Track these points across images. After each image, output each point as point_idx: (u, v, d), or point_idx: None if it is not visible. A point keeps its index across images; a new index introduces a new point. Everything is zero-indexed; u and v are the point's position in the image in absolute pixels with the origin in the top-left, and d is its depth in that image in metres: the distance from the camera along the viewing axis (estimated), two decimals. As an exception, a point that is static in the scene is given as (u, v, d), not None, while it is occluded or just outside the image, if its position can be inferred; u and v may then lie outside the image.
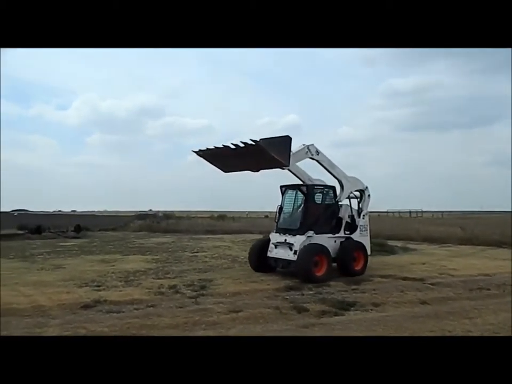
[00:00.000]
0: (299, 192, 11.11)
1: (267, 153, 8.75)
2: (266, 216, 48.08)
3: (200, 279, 9.96)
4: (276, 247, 10.72)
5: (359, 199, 11.86)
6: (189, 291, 8.68)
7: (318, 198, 11.04)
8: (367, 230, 11.61)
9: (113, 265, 12.58)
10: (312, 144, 10.66)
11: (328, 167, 10.95)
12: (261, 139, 8.74)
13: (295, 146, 10.05)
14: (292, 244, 10.16)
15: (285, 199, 11.42)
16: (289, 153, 9.33)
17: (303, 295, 8.42)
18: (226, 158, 9.96)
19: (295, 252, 9.98)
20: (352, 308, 7.34)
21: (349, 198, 11.54)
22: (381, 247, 16.87)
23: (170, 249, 17.69)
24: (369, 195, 11.84)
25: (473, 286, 9.29)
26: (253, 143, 8.66)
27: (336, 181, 11.21)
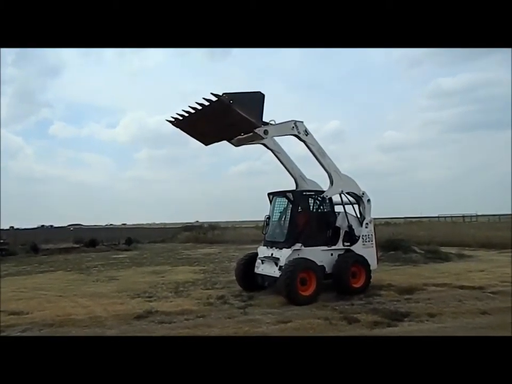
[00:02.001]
0: (288, 200, 9.78)
1: (233, 110, 7.76)
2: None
3: (247, 290, 9.97)
4: (262, 263, 9.59)
5: (358, 206, 10.33)
6: (237, 301, 8.72)
7: (309, 205, 9.73)
8: (372, 241, 10.07)
9: (163, 277, 12.94)
10: (302, 122, 9.37)
11: (317, 153, 9.52)
12: (224, 93, 7.72)
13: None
14: (278, 259, 9.03)
15: (273, 208, 10.18)
16: (261, 112, 8.23)
17: (353, 305, 8.18)
18: (199, 124, 8.99)
19: (280, 268, 8.81)
20: (406, 319, 7.02)
21: (342, 204, 10.09)
22: (434, 254, 16.12)
23: (217, 260, 17.94)
24: (368, 200, 10.25)
25: (540, 295, 8.60)
26: (216, 98, 7.72)
27: (326, 174, 9.80)
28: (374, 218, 10.58)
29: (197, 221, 73.42)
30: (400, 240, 17.48)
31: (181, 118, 9.03)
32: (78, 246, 27.25)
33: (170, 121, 9.35)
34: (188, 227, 46.97)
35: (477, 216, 58.27)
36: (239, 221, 74.65)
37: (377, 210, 10.77)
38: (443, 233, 24.28)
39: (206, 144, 10.00)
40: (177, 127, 9.44)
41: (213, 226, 42.92)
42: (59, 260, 19.90)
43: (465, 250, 18.31)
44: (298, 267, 8.58)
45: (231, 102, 7.71)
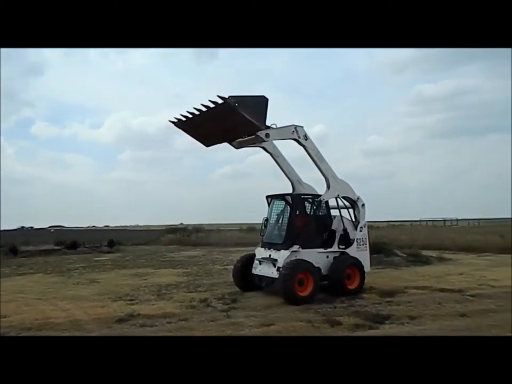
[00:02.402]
0: (286, 203, 10.12)
1: (238, 113, 7.91)
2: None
3: (230, 292, 9.97)
4: (260, 264, 9.79)
5: (353, 210, 10.57)
6: (220, 304, 8.69)
7: (307, 208, 10.01)
8: (365, 244, 10.35)
9: (146, 279, 12.81)
10: (302, 126, 9.54)
11: (315, 158, 9.70)
12: (230, 96, 7.87)
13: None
14: (276, 260, 9.23)
15: (271, 211, 10.47)
16: (265, 115, 8.41)
17: (336, 308, 8.25)
18: (203, 126, 9.16)
19: (278, 269, 9.02)
20: (387, 321, 7.11)
21: (338, 208, 10.26)
22: (415, 258, 16.40)
23: (200, 263, 17.84)
24: (363, 204, 10.51)
25: (516, 297, 8.82)
26: (222, 101, 7.87)
27: (323, 178, 9.99)
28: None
29: (182, 223, 73.16)
30: (383, 244, 17.71)
31: (184, 119, 9.17)
32: (59, 248, 26.67)
33: (173, 122, 9.49)
34: (171, 229, 46.65)
35: (457, 220, 59.46)
36: (224, 223, 74.63)
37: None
38: (424, 236, 24.71)
39: (207, 146, 10.10)
40: (179, 127, 9.59)
41: (197, 229, 42.76)
42: (39, 262, 19.49)
43: (445, 253, 18.70)
44: (297, 268, 8.78)
45: (237, 104, 7.87)
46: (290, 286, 8.57)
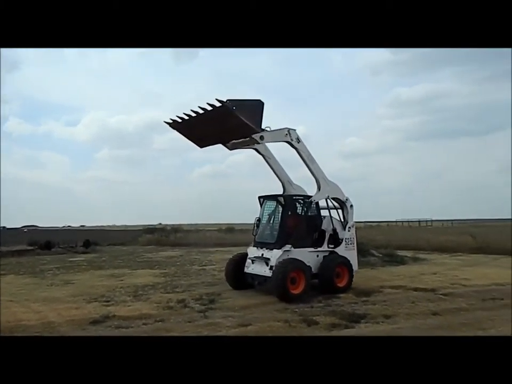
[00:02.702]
0: (278, 203, 10.38)
1: (235, 116, 8.11)
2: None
3: (208, 293, 9.93)
4: (252, 263, 10.03)
5: (342, 210, 10.91)
6: (197, 305, 8.65)
7: (298, 209, 10.24)
8: (353, 244, 10.72)
9: (122, 280, 12.61)
10: (294, 130, 9.80)
11: (307, 160, 10.00)
12: (228, 100, 8.06)
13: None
14: (268, 259, 9.47)
15: (264, 211, 10.70)
16: (261, 119, 8.61)
17: (313, 307, 8.33)
18: (199, 128, 9.32)
19: (271, 268, 9.25)
20: (362, 321, 7.23)
21: (328, 208, 10.61)
22: (390, 258, 16.72)
23: (178, 263, 17.69)
24: (351, 205, 10.87)
25: (486, 296, 9.11)
26: (220, 104, 8.03)
27: (314, 179, 10.31)
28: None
29: (160, 223, 72.28)
30: (360, 244, 17.92)
31: (180, 120, 9.29)
32: (32, 248, 25.93)
33: (168, 123, 9.61)
34: (149, 229, 46.07)
35: (432, 221, 60.93)
36: (203, 224, 74.25)
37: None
38: (400, 237, 25.19)
39: (201, 147, 10.27)
40: (174, 128, 9.72)
41: (175, 229, 42.34)
42: (11, 263, 18.88)
43: (420, 253, 19.16)
44: (289, 267, 9.02)
45: (234, 108, 8.08)
46: (283, 284, 8.80)
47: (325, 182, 10.34)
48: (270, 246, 9.74)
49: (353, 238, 10.78)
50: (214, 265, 16.55)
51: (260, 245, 10.17)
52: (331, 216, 10.59)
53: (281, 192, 10.84)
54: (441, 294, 9.48)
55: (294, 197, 10.36)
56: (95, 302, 9.17)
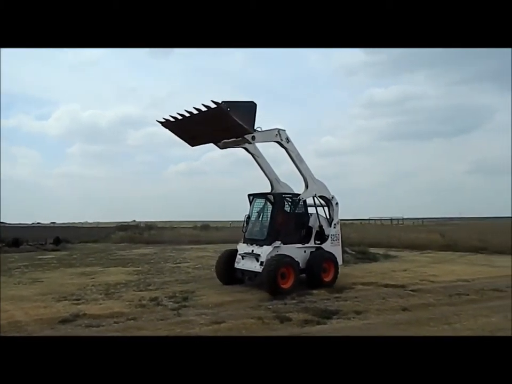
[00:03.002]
0: (267, 201, 10.67)
1: (230, 117, 8.35)
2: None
3: (182, 291, 9.86)
4: (243, 258, 10.33)
5: (328, 208, 11.35)
6: (170, 303, 8.57)
7: (286, 206, 10.57)
8: (338, 240, 11.19)
9: (93, 278, 12.35)
10: (284, 130, 10.20)
11: (296, 159, 10.40)
12: (223, 101, 8.26)
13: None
14: (259, 255, 9.80)
15: (253, 208, 11.02)
16: (254, 120, 8.91)
17: (286, 304, 8.40)
18: (191, 127, 9.50)
19: (261, 263, 9.57)
20: (334, 316, 7.35)
21: (315, 206, 10.99)
22: (363, 255, 17.06)
23: (152, 261, 17.47)
24: (337, 203, 11.29)
25: (453, 292, 9.44)
26: (215, 105, 8.23)
27: (302, 178, 10.70)
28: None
29: (134, 220, 70.99)
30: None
31: (173, 120, 9.43)
32: (-1, 245, 25.06)
33: (160, 122, 9.76)
34: (123, 226, 45.12)
35: (403, 219, 62.42)
36: (177, 221, 73.46)
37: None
38: (373, 235, 25.72)
39: (192, 146, 10.42)
40: (166, 127, 9.87)
41: (149, 226, 41.75)
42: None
43: (391, 251, 19.62)
44: (280, 262, 9.37)
45: (229, 109, 8.31)
46: (274, 279, 9.10)
47: (312, 180, 10.72)
48: (260, 243, 10.04)
49: (339, 234, 11.24)
50: (188, 262, 16.46)
51: (250, 241, 10.45)
52: (318, 214, 10.96)
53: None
54: (410, 290, 9.76)
55: (283, 195, 10.64)
56: (65, 301, 8.95)
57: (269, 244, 9.76)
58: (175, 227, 45.98)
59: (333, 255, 10.59)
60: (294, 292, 9.28)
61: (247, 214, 11.00)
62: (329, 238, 10.88)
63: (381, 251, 18.67)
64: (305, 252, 10.36)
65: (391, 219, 59.97)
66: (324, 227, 10.89)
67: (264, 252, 9.70)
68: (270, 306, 8.15)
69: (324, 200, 11.26)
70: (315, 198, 10.94)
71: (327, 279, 10.26)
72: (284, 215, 10.34)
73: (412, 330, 6.42)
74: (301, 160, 10.53)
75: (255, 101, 8.87)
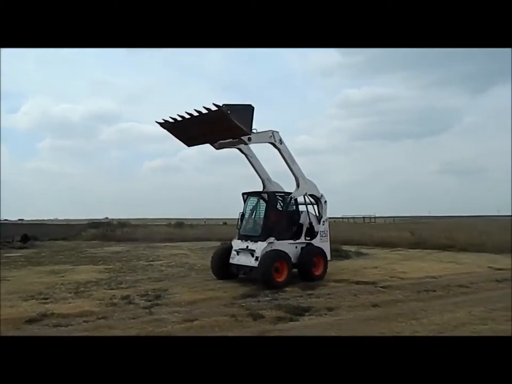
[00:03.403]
0: (260, 199, 11.19)
1: (229, 119, 8.72)
2: (225, 223, 47.93)
3: (155, 289, 9.75)
4: (238, 254, 10.74)
5: (317, 206, 11.91)
6: (142, 301, 8.46)
7: (279, 205, 11.09)
8: (327, 236, 11.78)
9: (63, 276, 12.03)
10: (278, 132, 10.69)
11: (288, 160, 10.91)
12: (223, 104, 8.68)
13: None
14: (254, 250, 10.22)
15: (247, 206, 11.46)
16: (251, 122, 9.32)
17: (259, 301, 8.45)
18: (189, 128, 9.87)
19: (256, 258, 10.02)
20: (306, 313, 7.43)
21: (305, 204, 11.61)
22: (336, 252, 17.27)
23: (124, 259, 17.17)
24: (325, 201, 11.91)
25: (421, 288, 9.73)
26: (216, 108, 8.63)
27: (293, 177, 11.19)
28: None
29: (106, 218, 69.64)
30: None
31: (172, 121, 9.79)
32: (-39, 243, 24.02)
33: (159, 123, 10.11)
34: (94, 224, 44.18)
35: (375, 217, 63.85)
36: (151, 218, 72.59)
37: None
38: (345, 232, 26.14)
39: (189, 146, 10.76)
40: (164, 128, 10.20)
41: (122, 223, 41.05)
42: None
43: (363, 248, 20.04)
44: (274, 258, 9.94)
45: (229, 112, 8.68)
46: (269, 273, 9.66)
47: (303, 180, 11.24)
48: (255, 239, 10.49)
49: (327, 231, 11.84)
50: (161, 260, 16.28)
51: (244, 237, 10.88)
52: (308, 211, 11.58)
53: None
54: (380, 287, 9.99)
55: (276, 194, 11.15)
56: (32, 300, 8.68)
57: (263, 240, 10.22)
58: (149, 224, 45.43)
59: (322, 250, 11.23)
60: (287, 285, 9.77)
61: (241, 211, 11.42)
62: (319, 235, 11.47)
63: (353, 249, 19.03)
64: (296, 247, 10.89)
65: (364, 217, 61.22)
66: (313, 224, 11.48)
67: (259, 247, 10.14)
68: (243, 304, 8.17)
69: (313, 199, 11.82)
70: (305, 196, 11.54)
71: (317, 273, 10.88)
72: (277, 212, 10.86)
73: (381, 326, 6.58)
74: (293, 160, 11.04)
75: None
